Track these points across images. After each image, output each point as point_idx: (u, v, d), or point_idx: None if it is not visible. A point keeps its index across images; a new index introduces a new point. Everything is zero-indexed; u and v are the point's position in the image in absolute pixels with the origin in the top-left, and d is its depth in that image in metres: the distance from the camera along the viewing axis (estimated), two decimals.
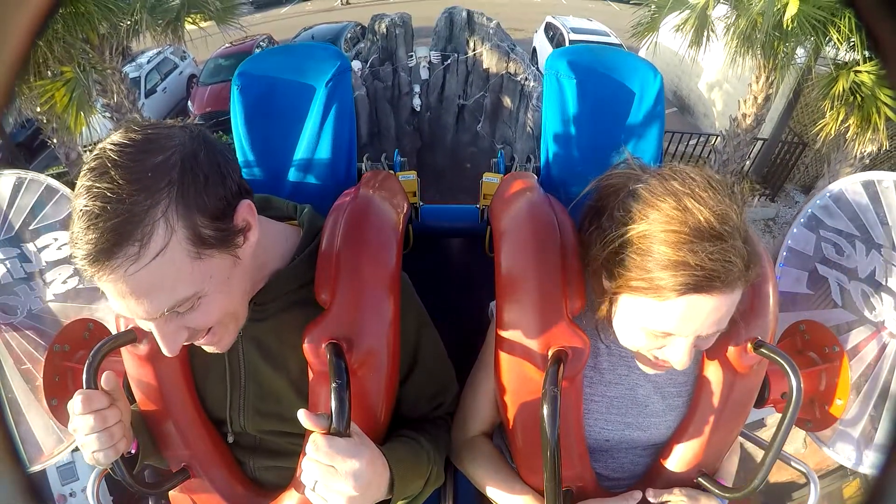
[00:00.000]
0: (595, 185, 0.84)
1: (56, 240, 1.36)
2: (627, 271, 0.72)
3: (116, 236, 0.57)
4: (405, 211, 0.98)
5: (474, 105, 6.63)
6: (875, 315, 1.11)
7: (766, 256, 0.85)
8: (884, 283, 1.10)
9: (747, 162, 6.40)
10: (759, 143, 6.47)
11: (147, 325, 0.65)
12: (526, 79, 6.13)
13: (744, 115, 5.80)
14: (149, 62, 9.87)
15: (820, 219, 1.19)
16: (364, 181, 1.00)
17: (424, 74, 6.58)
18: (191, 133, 0.65)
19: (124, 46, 5.07)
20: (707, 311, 0.69)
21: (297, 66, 1.10)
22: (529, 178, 1.02)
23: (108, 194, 0.57)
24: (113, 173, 0.57)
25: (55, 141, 5.06)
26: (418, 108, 6.75)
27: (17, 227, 1.34)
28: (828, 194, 1.19)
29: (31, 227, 1.35)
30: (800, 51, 5.13)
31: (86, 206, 0.57)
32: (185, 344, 0.70)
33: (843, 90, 4.87)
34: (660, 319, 0.71)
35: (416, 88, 6.65)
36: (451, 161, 6.98)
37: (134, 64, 9.63)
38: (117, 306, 0.62)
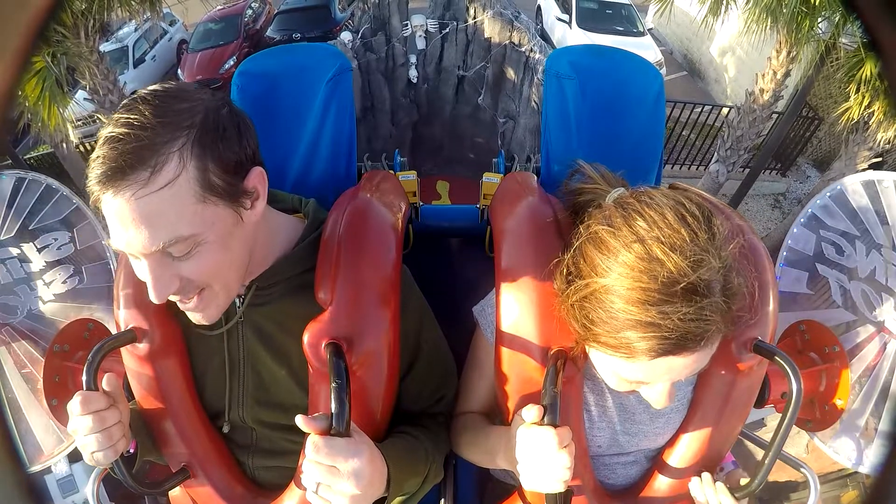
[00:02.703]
0: (563, 198, 0.84)
1: (56, 240, 1.36)
2: (594, 326, 0.67)
3: (132, 159, 0.61)
4: (405, 211, 0.98)
5: (475, 76, 6.30)
6: (875, 315, 1.11)
7: (766, 255, 0.84)
8: (884, 283, 1.10)
9: (760, 139, 6.20)
10: (775, 117, 6.11)
11: (141, 268, 0.66)
12: (531, 50, 5.79)
13: (761, 91, 5.52)
14: (136, 30, 9.51)
15: (820, 219, 1.20)
16: (364, 181, 1.00)
17: (421, 44, 6.20)
18: (218, 96, 0.71)
19: (101, 23, 4.87)
20: (682, 367, 0.65)
21: (297, 65, 1.10)
22: (529, 178, 1.02)
23: (134, 123, 0.62)
24: (142, 108, 0.63)
25: (38, 125, 4.98)
26: (415, 80, 6.41)
27: (17, 227, 1.34)
28: (828, 194, 1.19)
29: (31, 227, 1.35)
30: (823, 25, 4.83)
31: (111, 132, 0.62)
32: (173, 298, 0.70)
33: (871, 74, 4.56)
34: (632, 372, 0.68)
35: (413, 59, 6.30)
36: (450, 134, 6.74)
37: (115, 36, 9.31)
38: (117, 236, 0.64)
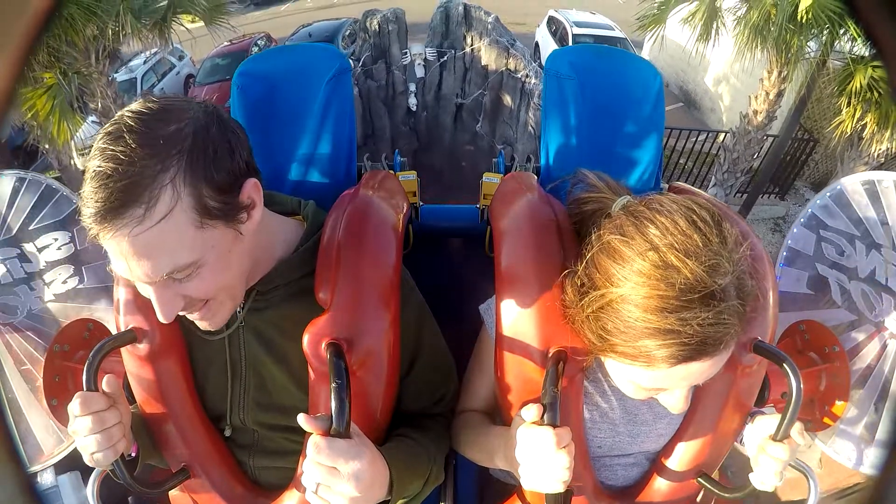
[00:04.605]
0: (568, 207, 0.85)
1: (56, 240, 1.36)
2: (611, 336, 0.66)
3: (125, 197, 0.59)
4: (405, 211, 0.98)
5: (473, 104, 6.40)
6: (875, 315, 1.11)
7: (766, 257, 0.85)
8: (884, 283, 1.11)
9: (756, 161, 6.21)
10: (770, 139, 6.14)
11: (146, 290, 0.67)
12: (527, 76, 5.90)
13: (755, 112, 5.56)
14: (145, 62, 9.72)
15: (820, 219, 1.20)
16: (364, 181, 1.00)
17: (420, 72, 6.31)
18: (205, 109, 0.68)
19: (111, 50, 4.91)
20: (701, 371, 0.65)
21: (297, 66, 1.10)
22: (529, 178, 1.02)
23: (121, 157, 0.59)
24: (127, 138, 0.60)
25: (46, 146, 4.99)
26: (414, 108, 6.49)
27: (17, 228, 1.34)
28: (828, 194, 1.19)
29: (30, 227, 1.35)
30: (812, 44, 4.88)
31: (99, 166, 0.59)
32: (181, 313, 0.70)
33: (861, 86, 4.62)
34: (651, 380, 0.68)
35: (412, 87, 6.39)
36: (450, 162, 6.76)
37: (126, 67, 9.47)
38: (119, 267, 0.64)
